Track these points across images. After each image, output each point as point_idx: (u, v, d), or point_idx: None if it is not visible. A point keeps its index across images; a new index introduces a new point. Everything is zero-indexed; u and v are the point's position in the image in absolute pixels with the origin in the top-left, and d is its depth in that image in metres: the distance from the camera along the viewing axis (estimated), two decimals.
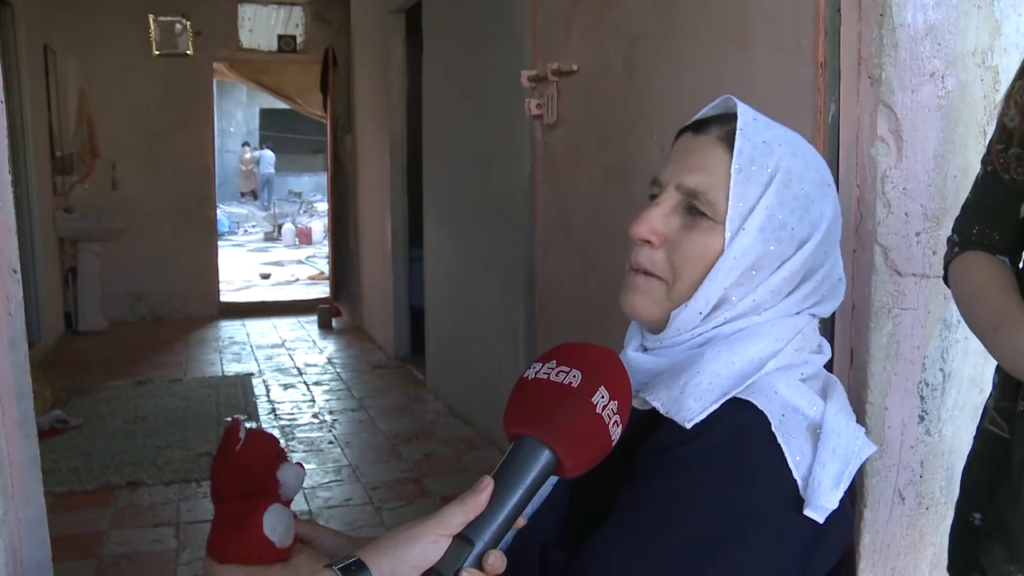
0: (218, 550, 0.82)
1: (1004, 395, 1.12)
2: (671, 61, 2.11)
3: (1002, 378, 1.14)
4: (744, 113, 0.87)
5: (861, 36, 1.45)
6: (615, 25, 2.39)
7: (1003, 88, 1.36)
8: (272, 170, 17.18)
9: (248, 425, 0.90)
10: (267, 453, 0.88)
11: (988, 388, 1.19)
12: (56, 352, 5.60)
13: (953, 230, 1.21)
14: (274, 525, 0.81)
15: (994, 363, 1.13)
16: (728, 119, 0.89)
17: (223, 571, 0.81)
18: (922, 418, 1.50)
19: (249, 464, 0.86)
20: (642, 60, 2.26)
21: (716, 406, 0.80)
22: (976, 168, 1.19)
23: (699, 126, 0.91)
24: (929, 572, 1.56)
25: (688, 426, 0.79)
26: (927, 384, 1.50)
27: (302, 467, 0.90)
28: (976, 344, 1.49)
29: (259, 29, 6.95)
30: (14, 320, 1.09)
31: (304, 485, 0.94)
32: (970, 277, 1.15)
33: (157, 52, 6.57)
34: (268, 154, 17.23)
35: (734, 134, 0.86)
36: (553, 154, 2.87)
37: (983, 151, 1.19)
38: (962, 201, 1.20)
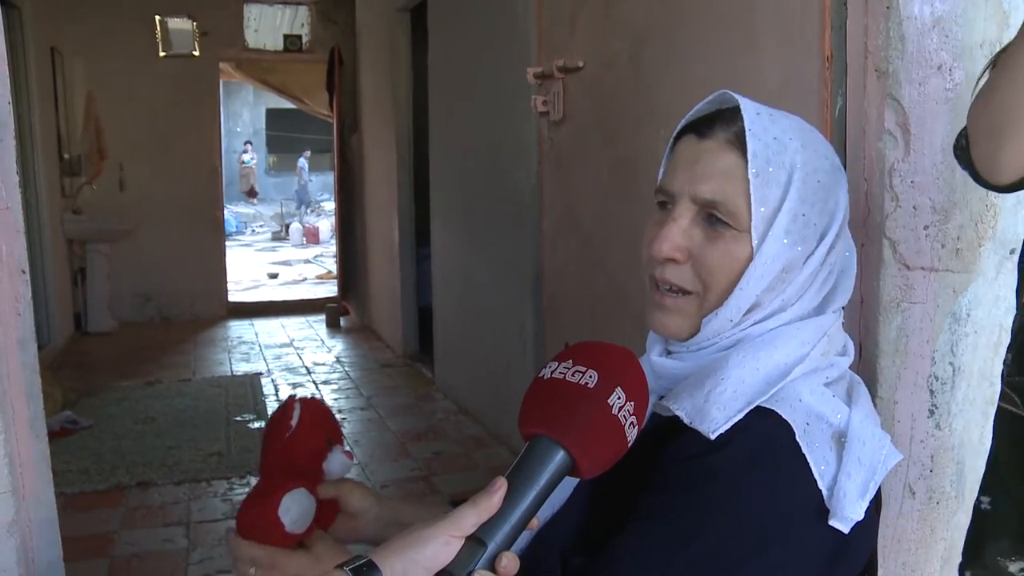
0: (238, 519, 0.85)
1: (1018, 369, 1.06)
2: (677, 56, 2.11)
3: (1015, 353, 1.07)
4: (748, 109, 0.83)
5: (868, 29, 1.44)
6: (621, 21, 2.38)
7: None
8: (308, 178, 17.04)
9: (306, 395, 0.93)
10: (317, 446, 0.89)
11: (998, 382, 1.14)
12: (65, 353, 5.62)
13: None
14: (288, 507, 0.83)
15: (1003, 356, 1.11)
16: (731, 117, 0.85)
17: (244, 546, 0.84)
18: (932, 412, 1.49)
19: (295, 454, 0.88)
20: (648, 55, 2.25)
21: (740, 416, 0.78)
22: None
23: (701, 128, 0.86)
24: (940, 567, 1.55)
25: (712, 436, 0.77)
26: (937, 378, 1.49)
27: (351, 456, 0.92)
28: (986, 338, 1.49)
29: (265, 29, 6.96)
30: (23, 320, 1.09)
31: None
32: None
33: (163, 53, 6.59)
34: (304, 162, 17.02)
35: (743, 135, 0.82)
36: (560, 151, 2.87)
37: None
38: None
